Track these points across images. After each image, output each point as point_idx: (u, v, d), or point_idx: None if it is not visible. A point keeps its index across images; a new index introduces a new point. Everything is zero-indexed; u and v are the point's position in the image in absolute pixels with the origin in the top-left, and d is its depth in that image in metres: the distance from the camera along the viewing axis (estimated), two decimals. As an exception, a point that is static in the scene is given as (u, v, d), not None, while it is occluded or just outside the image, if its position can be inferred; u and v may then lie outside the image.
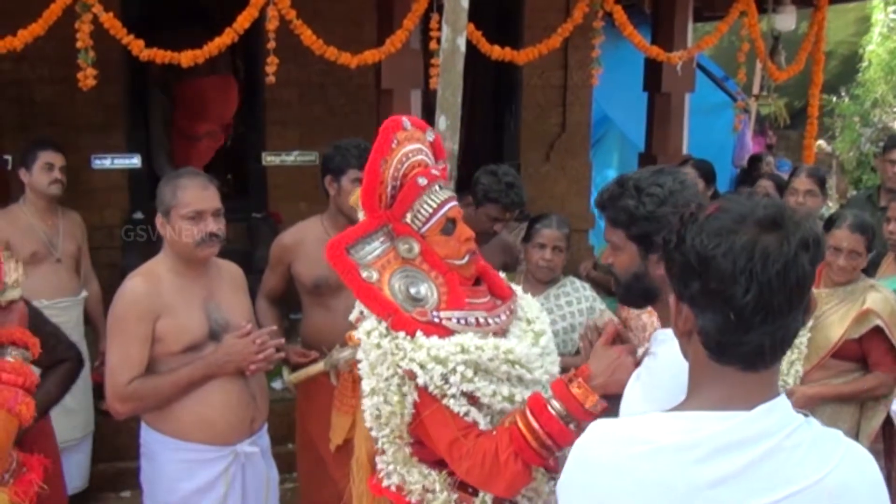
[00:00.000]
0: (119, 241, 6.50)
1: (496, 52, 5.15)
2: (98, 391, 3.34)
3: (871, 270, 4.43)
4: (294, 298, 4.14)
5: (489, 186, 4.14)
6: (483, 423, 2.33)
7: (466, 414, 2.30)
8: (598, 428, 1.56)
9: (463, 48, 4.20)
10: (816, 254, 1.42)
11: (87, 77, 4.26)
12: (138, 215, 6.58)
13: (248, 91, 7.05)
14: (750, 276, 1.38)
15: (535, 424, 2.23)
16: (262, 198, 7.04)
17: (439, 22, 4.83)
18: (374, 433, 2.43)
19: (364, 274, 2.38)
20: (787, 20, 6.25)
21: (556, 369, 2.51)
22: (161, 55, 4.29)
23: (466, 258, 2.47)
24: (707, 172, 5.22)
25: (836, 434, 1.50)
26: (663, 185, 2.04)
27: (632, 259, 2.10)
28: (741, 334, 1.42)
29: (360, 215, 2.53)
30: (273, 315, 3.92)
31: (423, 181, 2.43)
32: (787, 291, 1.39)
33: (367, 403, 2.39)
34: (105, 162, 6.09)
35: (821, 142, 13.19)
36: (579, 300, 3.80)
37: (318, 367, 2.84)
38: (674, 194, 2.04)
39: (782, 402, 1.47)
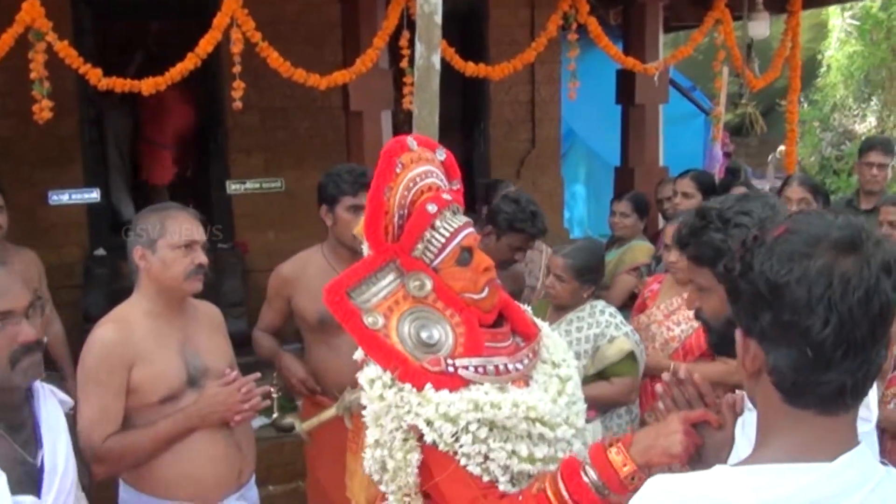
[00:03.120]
0: (80, 279, 6.23)
1: (470, 68, 5.00)
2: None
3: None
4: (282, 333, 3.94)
5: (514, 216, 3.99)
6: (503, 482, 2.09)
7: (486, 472, 2.08)
8: (660, 486, 1.38)
9: (438, 66, 4.03)
10: None
11: (43, 109, 4.03)
12: (99, 252, 6.32)
13: (209, 118, 6.84)
14: (828, 305, 1.22)
15: (564, 492, 1.99)
16: (228, 228, 6.80)
17: (409, 39, 4.68)
18: (382, 487, 2.20)
19: (368, 320, 2.14)
20: (760, 27, 6.18)
21: (581, 422, 2.28)
22: (120, 84, 4.08)
23: (486, 291, 2.24)
24: (706, 185, 5.07)
25: None
26: (751, 212, 1.82)
27: (723, 302, 1.85)
28: (820, 372, 1.26)
29: (364, 248, 2.30)
30: (271, 342, 3.72)
31: (432, 208, 2.18)
32: (870, 322, 1.24)
33: (369, 455, 2.16)
34: (62, 197, 5.81)
35: (782, 147, 13.24)
36: (590, 326, 3.62)
37: (331, 412, 2.63)
38: (764, 222, 1.82)
39: (863, 451, 1.31)
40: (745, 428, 1.86)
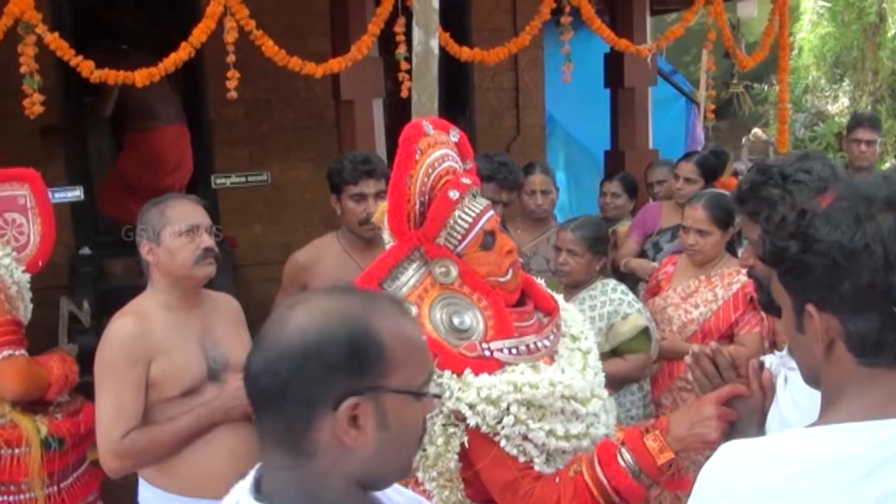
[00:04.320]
0: (65, 279, 6.10)
1: (465, 53, 4.95)
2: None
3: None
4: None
5: (482, 166, 4.01)
6: (539, 462, 2.12)
7: (522, 453, 2.10)
8: (734, 450, 1.37)
9: (436, 51, 4.00)
10: None
11: (34, 104, 3.92)
12: (84, 251, 6.20)
13: (192, 112, 6.72)
14: None
15: (602, 477, 2.02)
16: (214, 223, 6.68)
17: (405, 26, 4.62)
18: (420, 474, 2.18)
19: None
20: (748, 7, 6.18)
21: (605, 392, 2.30)
22: (113, 76, 3.97)
23: (510, 273, 2.25)
24: (709, 170, 5.01)
25: None
26: (811, 171, 1.83)
27: None
28: None
29: (386, 235, 2.29)
30: None
31: (454, 194, 2.18)
32: None
33: None
34: (45, 196, 5.68)
35: (756, 129, 13.34)
36: (603, 304, 3.63)
37: None
38: (824, 181, 1.83)
39: None
40: (789, 387, 1.86)
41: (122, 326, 2.70)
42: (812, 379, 1.42)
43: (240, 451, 2.77)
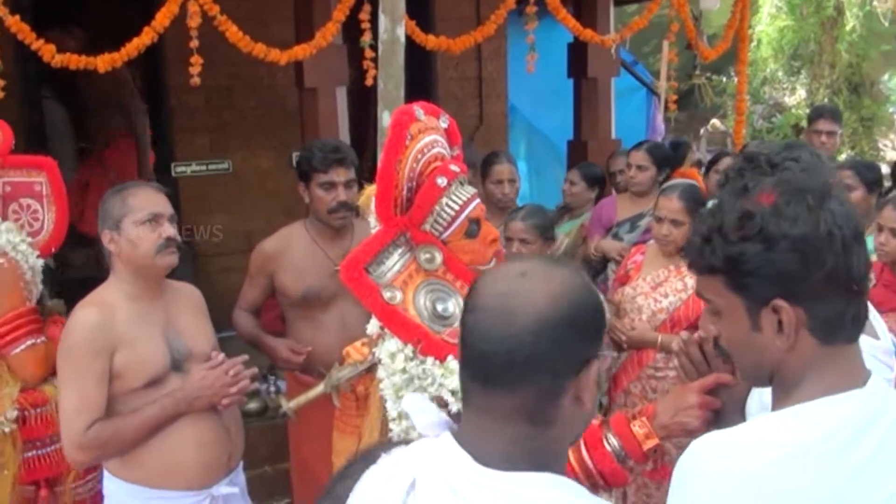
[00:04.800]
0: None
1: (431, 41, 4.92)
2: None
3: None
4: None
5: None
6: None
7: None
8: (711, 441, 1.39)
9: (402, 39, 3.98)
10: None
11: (-5, 88, 3.84)
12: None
13: (152, 99, 6.62)
14: (855, 239, 1.33)
15: (587, 461, 2.02)
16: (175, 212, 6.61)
17: (370, 13, 4.58)
18: None
19: (387, 295, 2.16)
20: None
21: None
22: (75, 60, 3.89)
23: (493, 262, 2.27)
24: (660, 157, 5.02)
25: None
26: (799, 159, 1.83)
27: None
28: (856, 304, 1.35)
29: (372, 220, 2.28)
30: (253, 323, 3.65)
31: (442, 181, 2.19)
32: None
33: (396, 430, 2.17)
34: (3, 185, 5.57)
35: (714, 120, 13.45)
36: None
37: (318, 389, 2.58)
38: (812, 168, 1.84)
39: (878, 377, 1.41)
40: None
41: (85, 317, 2.66)
42: (762, 377, 1.43)
43: (206, 440, 2.76)
